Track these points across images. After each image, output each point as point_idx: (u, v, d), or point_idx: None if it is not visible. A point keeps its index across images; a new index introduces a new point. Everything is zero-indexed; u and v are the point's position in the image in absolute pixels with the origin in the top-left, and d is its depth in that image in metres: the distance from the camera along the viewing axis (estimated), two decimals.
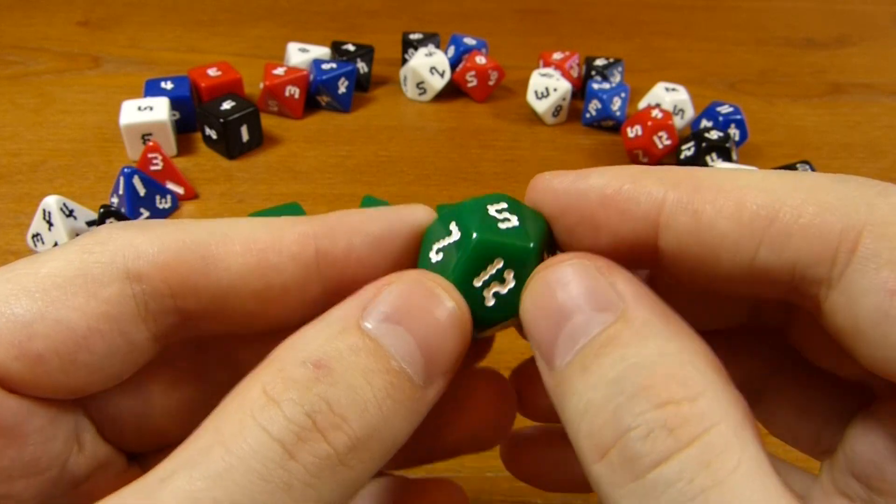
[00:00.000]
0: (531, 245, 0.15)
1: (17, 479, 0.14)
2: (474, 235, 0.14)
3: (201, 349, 0.17)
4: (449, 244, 0.15)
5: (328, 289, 0.15)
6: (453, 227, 0.15)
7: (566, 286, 0.14)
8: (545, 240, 0.15)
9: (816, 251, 0.12)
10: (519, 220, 0.15)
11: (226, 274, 0.15)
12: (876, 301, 0.12)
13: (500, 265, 0.15)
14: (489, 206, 0.15)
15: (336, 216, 0.15)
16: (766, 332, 0.17)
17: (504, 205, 0.15)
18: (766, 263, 0.13)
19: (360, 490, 0.13)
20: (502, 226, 0.15)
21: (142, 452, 0.17)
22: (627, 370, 0.12)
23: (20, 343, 0.13)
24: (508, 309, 0.15)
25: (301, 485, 0.12)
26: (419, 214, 0.16)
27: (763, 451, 0.12)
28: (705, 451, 0.11)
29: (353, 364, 0.13)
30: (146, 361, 0.15)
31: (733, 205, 0.13)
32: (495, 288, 0.15)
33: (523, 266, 0.15)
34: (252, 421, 0.12)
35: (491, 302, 0.15)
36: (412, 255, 0.16)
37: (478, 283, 0.15)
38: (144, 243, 0.14)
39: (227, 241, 0.15)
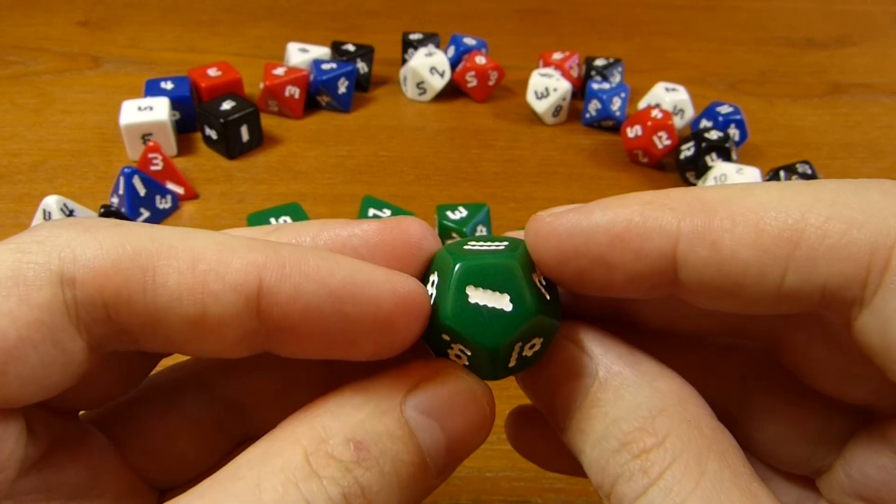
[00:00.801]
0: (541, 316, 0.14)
1: None
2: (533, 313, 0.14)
3: (203, 389, 0.17)
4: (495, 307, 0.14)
5: (267, 328, 0.14)
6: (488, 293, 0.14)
7: (547, 365, 0.15)
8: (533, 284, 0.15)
9: (846, 273, 0.12)
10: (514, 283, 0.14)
11: (163, 290, 0.13)
12: None
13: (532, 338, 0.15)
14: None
15: (298, 251, 0.14)
16: (755, 351, 0.17)
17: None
18: (794, 288, 0.12)
19: None
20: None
21: (170, 488, 0.17)
22: (610, 428, 0.14)
23: None
24: (528, 363, 0.15)
25: None
26: (398, 285, 0.14)
27: (731, 466, 0.13)
28: (669, 481, 0.13)
29: (388, 451, 0.13)
30: (84, 370, 0.14)
31: (753, 231, 0.13)
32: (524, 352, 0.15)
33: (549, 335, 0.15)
34: (296, 490, 0.12)
35: (513, 363, 0.15)
36: (371, 327, 0.14)
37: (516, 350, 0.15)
38: (83, 245, 0.13)
39: (170, 255, 0.13)
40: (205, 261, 0.13)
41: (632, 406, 0.14)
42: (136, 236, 0.13)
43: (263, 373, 0.18)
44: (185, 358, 0.18)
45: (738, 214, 0.13)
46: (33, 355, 0.13)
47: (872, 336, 0.12)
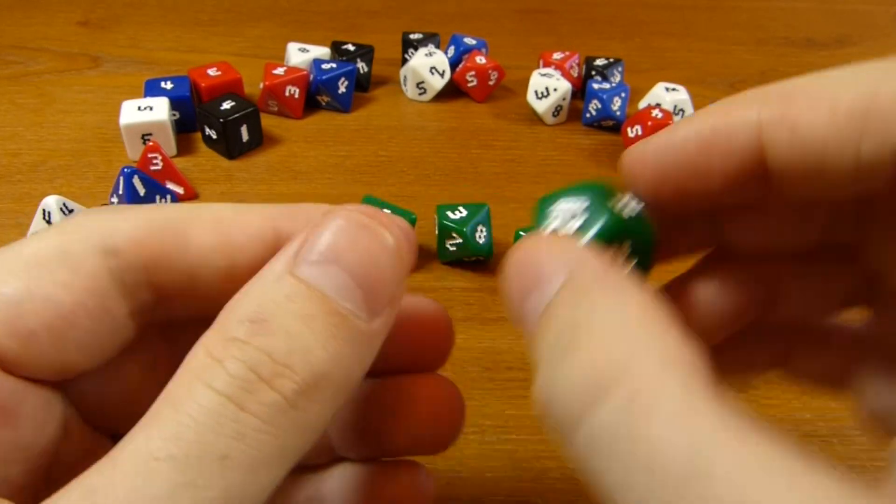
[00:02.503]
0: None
1: (12, 463, 0.14)
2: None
3: (175, 336, 0.17)
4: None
5: None
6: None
7: (527, 269, 0.14)
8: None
9: None
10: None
11: (195, 250, 0.15)
12: None
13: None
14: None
15: (297, 204, 0.16)
16: (843, 260, 0.17)
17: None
18: (872, 155, 0.13)
19: (322, 429, 0.13)
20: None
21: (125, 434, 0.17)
22: (562, 332, 0.13)
23: (11, 321, 0.14)
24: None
25: (255, 432, 0.12)
26: (393, 222, 0.15)
27: (693, 382, 0.11)
28: (623, 391, 0.11)
29: (290, 311, 0.13)
30: (126, 341, 0.16)
31: (827, 108, 0.13)
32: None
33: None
34: (198, 381, 0.12)
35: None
36: None
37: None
38: (119, 221, 0.15)
39: (196, 220, 0.15)
40: (226, 220, 0.15)
41: (589, 313, 0.13)
42: (162, 210, 0.15)
43: None
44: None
45: (814, 96, 0.13)
46: (86, 320, 0.14)
47: None
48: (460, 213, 0.34)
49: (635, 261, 0.16)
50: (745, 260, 0.17)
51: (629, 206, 0.16)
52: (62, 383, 0.15)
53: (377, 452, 0.19)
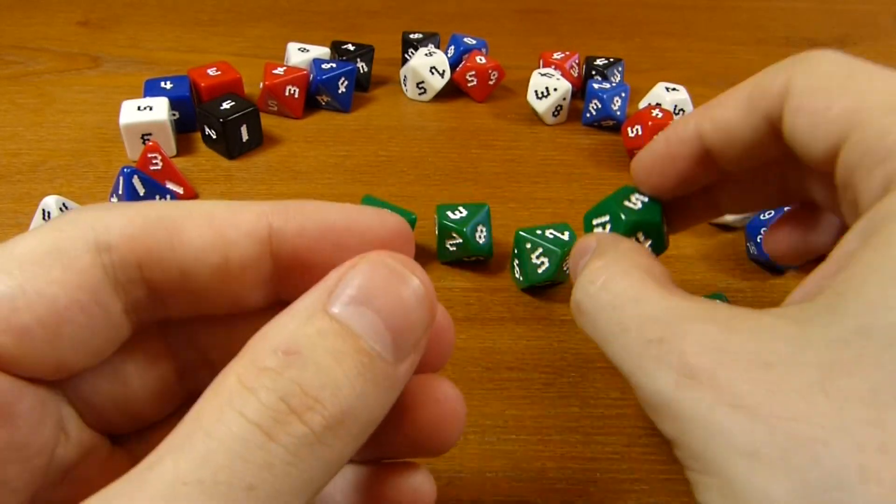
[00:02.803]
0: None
1: (10, 463, 0.14)
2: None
3: (168, 334, 0.18)
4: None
5: (281, 267, 0.16)
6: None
7: (577, 249, 0.23)
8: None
9: (772, 103, 0.20)
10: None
11: (188, 247, 0.15)
12: (791, 117, 0.20)
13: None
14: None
15: (294, 201, 0.16)
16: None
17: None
18: (756, 124, 0.21)
19: (341, 467, 0.14)
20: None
21: (122, 434, 0.17)
22: (585, 273, 0.21)
23: (6, 317, 0.14)
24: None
25: (282, 464, 0.12)
26: (385, 219, 0.16)
27: (650, 277, 0.19)
28: (605, 282, 0.20)
29: (322, 347, 0.13)
30: (121, 339, 0.16)
31: (730, 100, 0.22)
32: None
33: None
34: (230, 408, 0.12)
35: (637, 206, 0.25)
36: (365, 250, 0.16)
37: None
38: (112, 218, 0.15)
39: (189, 217, 0.15)
40: (219, 217, 0.15)
41: (599, 251, 0.22)
42: (156, 207, 0.16)
43: (223, 330, 0.18)
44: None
45: (724, 97, 0.22)
46: (81, 317, 0.14)
47: (787, 136, 0.20)
48: (460, 213, 0.34)
49: (651, 241, 0.24)
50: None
51: (638, 202, 0.25)
52: (59, 382, 0.15)
53: (378, 454, 0.19)
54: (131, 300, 0.15)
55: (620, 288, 0.19)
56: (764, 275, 0.36)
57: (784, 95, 0.19)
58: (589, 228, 0.26)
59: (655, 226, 0.24)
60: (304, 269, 0.16)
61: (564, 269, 0.33)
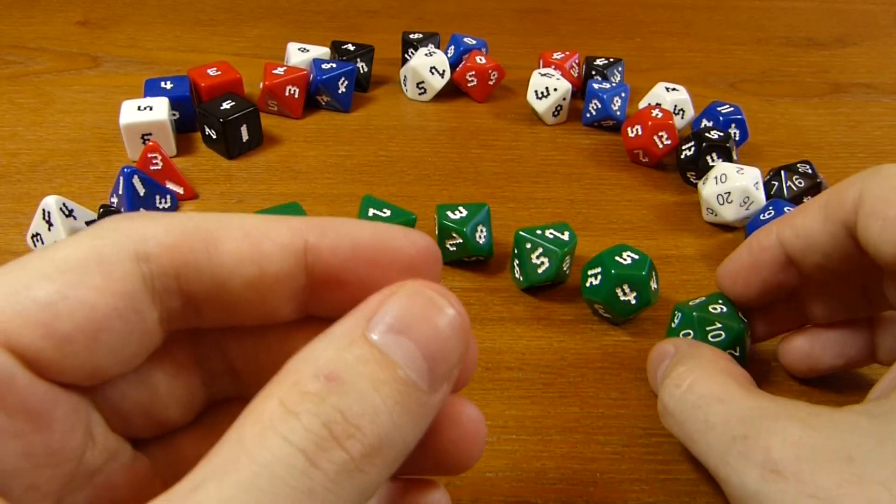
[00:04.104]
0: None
1: (43, 468, 0.14)
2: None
3: (197, 342, 0.18)
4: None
5: (313, 282, 0.16)
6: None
7: (658, 353, 0.27)
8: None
9: (847, 211, 0.23)
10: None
11: (225, 258, 0.15)
12: (872, 224, 0.22)
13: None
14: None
15: (329, 218, 0.17)
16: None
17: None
18: (833, 232, 0.24)
19: (375, 493, 0.14)
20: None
21: (144, 439, 0.18)
22: (667, 372, 0.24)
23: (47, 323, 0.14)
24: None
25: (323, 490, 0.12)
26: (413, 238, 0.17)
27: (733, 379, 0.22)
28: (690, 384, 0.23)
29: (363, 374, 0.13)
30: (154, 347, 0.16)
31: (808, 209, 0.25)
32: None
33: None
34: (273, 432, 0.13)
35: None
36: (397, 271, 0.16)
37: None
38: (150, 227, 0.15)
39: (226, 228, 0.16)
40: (256, 230, 0.16)
41: (680, 357, 0.24)
42: (193, 218, 0.16)
43: (251, 339, 0.18)
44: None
45: (803, 207, 0.25)
46: (118, 325, 0.14)
47: (864, 243, 0.22)
48: (460, 213, 0.34)
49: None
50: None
51: (628, 258, 0.30)
52: (89, 388, 0.15)
53: (399, 472, 0.19)
54: (167, 309, 0.15)
55: (705, 389, 0.22)
56: None
57: (858, 203, 0.22)
58: (585, 279, 0.31)
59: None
60: (335, 285, 0.16)
61: (565, 269, 0.33)
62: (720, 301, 0.27)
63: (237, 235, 0.15)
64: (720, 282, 0.27)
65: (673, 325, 0.28)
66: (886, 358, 0.27)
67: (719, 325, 0.27)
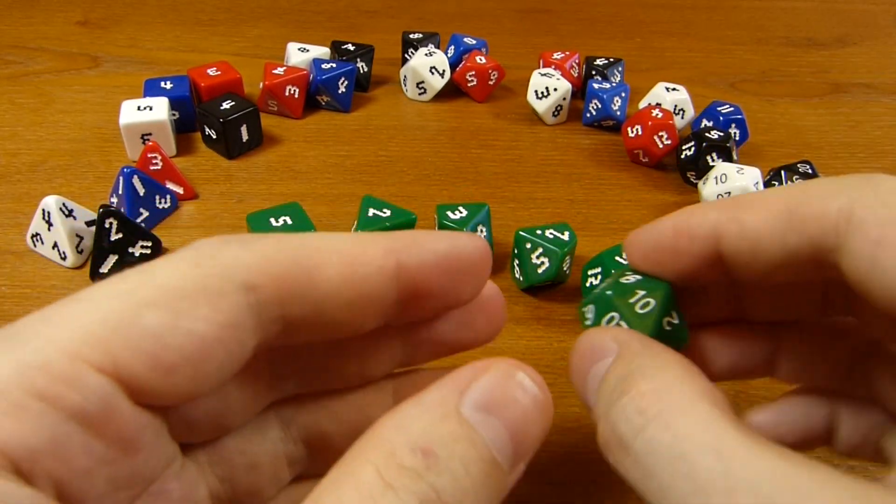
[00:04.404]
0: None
1: (122, 490, 0.14)
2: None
3: (274, 355, 0.18)
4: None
5: (401, 297, 0.17)
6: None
7: (585, 350, 0.18)
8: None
9: (825, 226, 0.17)
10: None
11: (324, 285, 0.16)
12: (868, 250, 0.16)
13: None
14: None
15: (410, 234, 0.18)
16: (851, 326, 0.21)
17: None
18: (795, 246, 0.17)
19: None
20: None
21: (193, 442, 0.18)
22: (616, 384, 0.16)
23: (155, 353, 0.14)
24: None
25: None
26: (477, 243, 0.19)
27: (723, 410, 0.15)
28: (663, 415, 0.15)
29: (455, 453, 0.14)
30: (243, 368, 0.16)
31: (764, 208, 0.17)
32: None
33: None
34: None
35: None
36: (469, 276, 0.19)
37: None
38: (252, 256, 0.15)
39: (324, 253, 0.16)
40: (351, 253, 0.16)
41: (636, 366, 0.16)
42: (290, 243, 0.16)
43: (330, 350, 0.19)
44: None
45: (758, 201, 0.18)
46: (221, 354, 0.15)
47: (850, 273, 0.16)
48: (460, 213, 0.34)
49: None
50: (754, 323, 0.22)
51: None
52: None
53: (425, 355, 0.21)
54: (266, 336, 0.16)
55: (688, 428, 0.15)
56: None
57: (846, 222, 0.16)
58: (585, 278, 0.26)
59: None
60: (418, 295, 0.17)
61: (565, 269, 0.33)
62: (629, 272, 0.21)
63: (335, 260, 0.16)
64: (628, 251, 0.20)
65: (587, 323, 0.20)
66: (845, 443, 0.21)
67: (642, 293, 0.20)
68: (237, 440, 0.18)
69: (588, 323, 0.20)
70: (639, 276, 0.20)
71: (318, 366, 0.19)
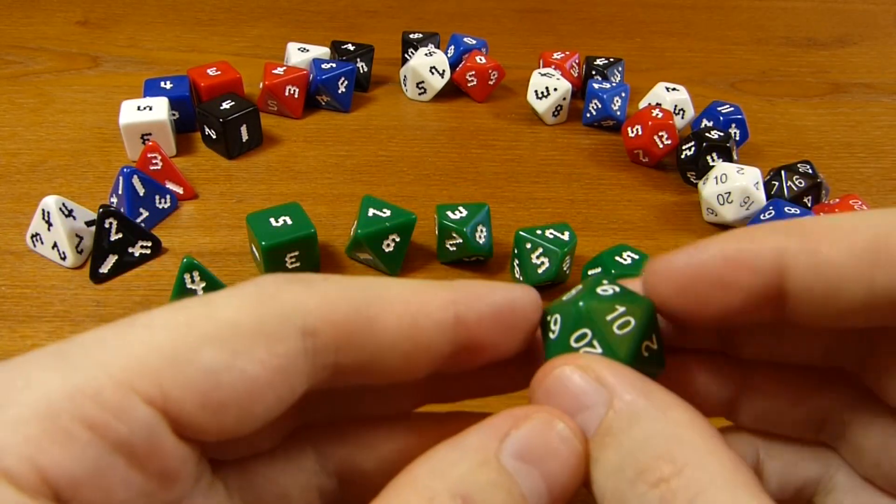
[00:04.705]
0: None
1: None
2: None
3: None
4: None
5: (455, 350, 0.17)
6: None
7: (563, 394, 0.15)
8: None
9: None
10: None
11: (384, 334, 0.15)
12: None
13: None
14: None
15: (470, 285, 0.17)
16: (841, 373, 0.18)
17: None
18: (884, 287, 0.14)
19: None
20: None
21: (222, 460, 0.17)
22: (626, 458, 0.14)
23: (206, 392, 0.14)
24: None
25: None
26: (530, 296, 0.17)
27: (759, 498, 0.13)
28: (700, 500, 0.13)
29: (493, 501, 0.14)
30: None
31: (846, 237, 0.14)
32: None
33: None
34: None
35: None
36: (521, 329, 0.17)
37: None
38: (314, 299, 0.15)
39: (384, 303, 0.16)
40: (411, 303, 0.16)
41: (647, 436, 0.14)
42: (352, 289, 0.16)
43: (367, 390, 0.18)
44: None
45: (836, 227, 0.15)
46: (272, 397, 0.14)
47: None
48: (460, 213, 0.34)
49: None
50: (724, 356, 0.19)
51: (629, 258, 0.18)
52: None
53: (457, 394, 0.20)
54: (318, 379, 0.15)
55: None
56: None
57: None
58: (585, 278, 0.23)
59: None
60: (472, 348, 0.17)
61: (565, 269, 0.33)
62: (605, 281, 0.17)
63: (397, 311, 0.16)
64: (653, 283, 0.17)
65: (552, 336, 0.17)
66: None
67: (621, 309, 0.16)
68: (269, 469, 0.18)
69: (553, 337, 0.17)
70: (616, 288, 0.17)
71: (351, 393, 0.19)
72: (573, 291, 0.18)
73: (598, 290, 0.17)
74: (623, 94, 0.47)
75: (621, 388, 0.15)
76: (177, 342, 0.14)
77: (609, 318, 0.16)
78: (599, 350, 0.16)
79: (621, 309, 0.16)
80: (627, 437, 0.14)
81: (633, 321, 0.17)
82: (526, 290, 0.17)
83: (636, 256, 0.31)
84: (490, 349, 0.17)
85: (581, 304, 0.17)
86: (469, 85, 0.49)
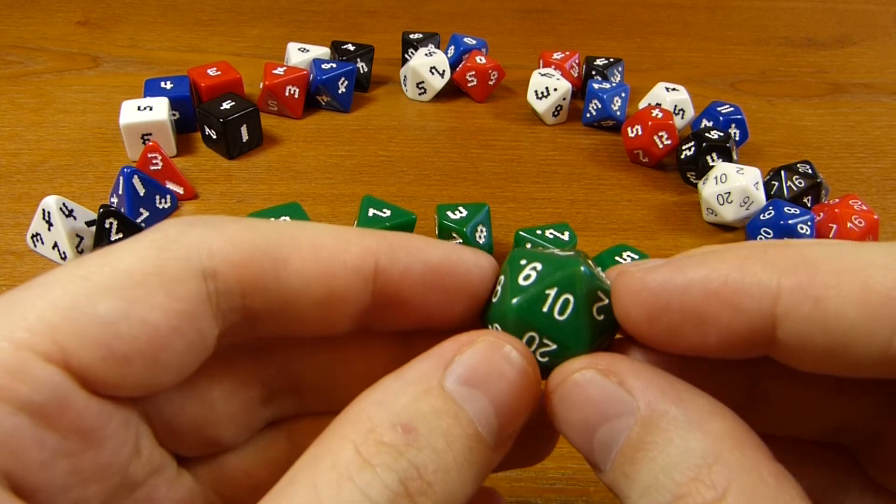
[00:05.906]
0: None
1: (91, 483, 0.14)
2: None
3: (259, 357, 0.17)
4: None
5: (378, 302, 0.16)
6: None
7: (583, 403, 0.14)
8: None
9: None
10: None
11: (294, 278, 0.15)
12: None
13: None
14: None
15: (400, 237, 0.16)
16: (833, 449, 0.17)
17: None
18: None
19: None
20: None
21: (190, 457, 0.17)
22: (660, 478, 0.13)
23: (107, 343, 0.13)
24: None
25: None
26: (480, 261, 0.16)
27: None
28: None
29: (438, 428, 0.13)
30: (207, 357, 0.15)
31: (860, 288, 0.12)
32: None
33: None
34: (351, 484, 0.12)
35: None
36: (462, 296, 0.16)
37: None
38: (217, 241, 0.14)
39: (295, 245, 0.15)
40: (326, 248, 0.15)
41: (682, 452, 0.13)
42: (261, 230, 0.15)
43: (321, 353, 0.18)
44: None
45: (844, 271, 0.12)
46: (179, 344, 0.14)
47: None
48: (460, 213, 0.34)
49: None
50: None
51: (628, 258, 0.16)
52: (140, 400, 0.15)
53: None
54: (226, 325, 0.15)
55: None
56: None
57: None
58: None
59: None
60: (399, 305, 0.16)
61: None
62: (523, 261, 0.16)
63: (307, 255, 0.15)
64: (621, 305, 0.15)
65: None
66: None
67: (553, 291, 0.15)
68: (242, 461, 0.18)
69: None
70: (536, 264, 0.15)
71: (316, 382, 0.18)
72: (499, 291, 0.16)
73: (521, 281, 0.15)
74: (623, 95, 0.47)
75: (650, 394, 0.13)
76: (72, 296, 0.13)
77: (545, 309, 0.15)
78: (554, 346, 0.15)
79: (552, 291, 0.15)
80: (661, 452, 0.13)
81: (571, 298, 0.15)
82: (476, 256, 0.16)
83: (636, 256, 0.31)
84: (420, 309, 0.16)
85: (514, 309, 0.15)
86: (469, 85, 0.49)
